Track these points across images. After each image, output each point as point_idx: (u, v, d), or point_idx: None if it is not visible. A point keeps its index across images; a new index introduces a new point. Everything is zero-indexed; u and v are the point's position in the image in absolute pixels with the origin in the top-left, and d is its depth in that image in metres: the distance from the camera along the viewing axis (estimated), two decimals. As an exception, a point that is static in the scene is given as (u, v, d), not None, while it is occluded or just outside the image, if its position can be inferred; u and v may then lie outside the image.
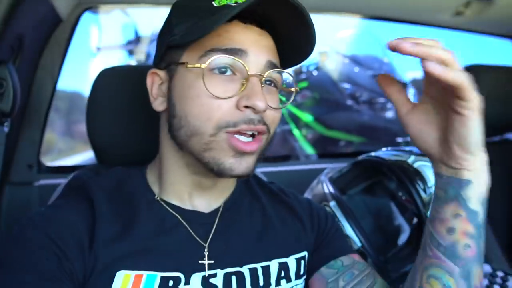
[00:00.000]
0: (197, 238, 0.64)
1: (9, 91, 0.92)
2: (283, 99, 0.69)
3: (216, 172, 0.59)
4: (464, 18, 1.60)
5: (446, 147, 0.54)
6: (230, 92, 0.57)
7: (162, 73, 0.65)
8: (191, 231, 0.64)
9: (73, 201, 0.63)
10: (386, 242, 1.07)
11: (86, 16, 1.29)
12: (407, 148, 1.10)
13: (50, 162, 1.39)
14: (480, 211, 0.54)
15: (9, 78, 0.91)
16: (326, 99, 3.77)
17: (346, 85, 3.79)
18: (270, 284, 0.66)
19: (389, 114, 3.81)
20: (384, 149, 1.18)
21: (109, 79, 0.87)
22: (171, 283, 0.59)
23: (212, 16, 0.56)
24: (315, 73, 3.90)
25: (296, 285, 0.70)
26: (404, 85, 3.93)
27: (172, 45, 0.61)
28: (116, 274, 0.57)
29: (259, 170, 1.59)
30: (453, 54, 0.49)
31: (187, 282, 0.60)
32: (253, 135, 0.59)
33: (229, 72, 0.58)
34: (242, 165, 0.59)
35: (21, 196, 1.24)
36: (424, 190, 0.98)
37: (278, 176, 1.57)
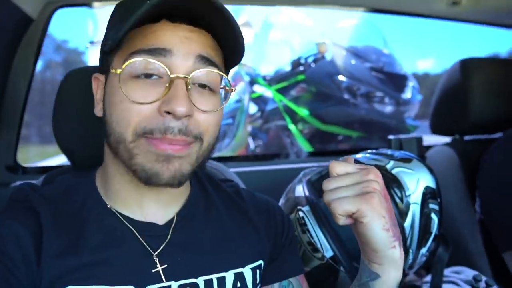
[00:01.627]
0: (150, 250, 0.62)
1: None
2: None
3: (144, 180, 0.57)
4: (460, 7, 1.56)
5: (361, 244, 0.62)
6: (151, 97, 0.55)
7: (102, 78, 0.63)
8: (144, 243, 0.62)
9: (18, 214, 0.61)
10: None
11: (81, 11, 1.26)
12: (389, 152, 1.05)
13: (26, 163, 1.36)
14: None
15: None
16: (322, 93, 3.71)
17: (343, 78, 3.72)
18: None
19: (387, 108, 3.74)
20: (359, 154, 1.14)
21: (76, 81, 0.84)
22: None
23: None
24: (313, 65, 3.83)
25: None
26: (402, 80, 3.87)
27: (104, 50, 0.60)
28: None
29: (247, 169, 1.57)
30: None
31: None
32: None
33: (154, 76, 0.56)
34: (170, 170, 0.56)
35: None
36: (401, 199, 0.94)
37: (266, 175, 1.54)
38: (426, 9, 1.64)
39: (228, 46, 0.62)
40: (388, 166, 0.99)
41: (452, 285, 1.08)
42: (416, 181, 0.96)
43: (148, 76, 0.56)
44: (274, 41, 4.41)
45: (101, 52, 0.63)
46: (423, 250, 0.99)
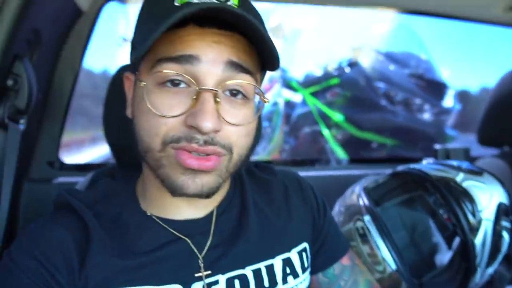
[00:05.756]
0: (193, 247, 0.60)
1: (24, 88, 0.87)
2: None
3: (170, 191, 0.55)
4: None
5: None
6: (177, 109, 0.52)
7: (132, 77, 0.60)
8: (188, 241, 0.60)
9: (62, 218, 0.60)
10: (421, 262, 0.97)
11: (113, 7, 1.23)
12: (454, 163, 0.98)
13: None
14: None
15: (24, 74, 0.87)
16: (358, 98, 3.60)
17: (380, 84, 3.60)
18: (276, 283, 0.63)
19: (426, 116, 3.61)
20: (425, 161, 1.07)
21: None
22: None
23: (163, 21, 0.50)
24: (347, 69, 3.74)
25: (304, 280, 0.67)
26: (442, 87, 3.74)
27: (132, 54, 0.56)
28: None
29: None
30: None
31: None
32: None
33: (182, 84, 0.52)
34: (197, 184, 0.53)
35: (39, 193, 1.21)
36: (473, 214, 0.86)
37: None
38: (481, 14, 1.55)
39: (264, 50, 0.55)
40: (458, 179, 0.91)
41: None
42: (489, 196, 0.88)
43: (175, 84, 0.52)
44: (305, 44, 4.35)
45: (130, 53, 0.59)
46: (490, 270, 0.92)
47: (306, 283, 0.68)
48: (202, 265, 0.59)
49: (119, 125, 0.81)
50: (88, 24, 1.17)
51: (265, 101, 0.58)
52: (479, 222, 0.86)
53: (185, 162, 0.51)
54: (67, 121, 1.28)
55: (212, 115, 0.50)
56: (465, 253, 0.88)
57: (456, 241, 0.95)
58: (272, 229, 0.67)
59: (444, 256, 0.98)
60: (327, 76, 3.80)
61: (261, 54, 0.56)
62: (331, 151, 3.46)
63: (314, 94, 3.74)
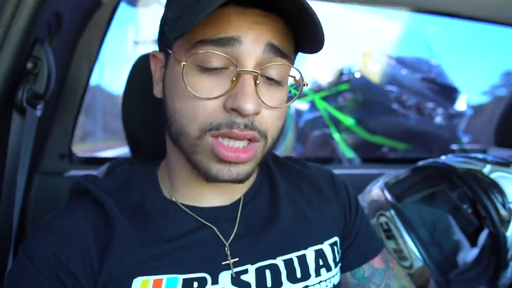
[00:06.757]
0: (220, 236, 0.58)
1: (44, 72, 0.86)
2: (295, 92, 0.59)
3: (203, 177, 0.54)
4: None
5: None
6: (216, 91, 0.51)
7: (161, 56, 0.59)
8: (214, 228, 0.59)
9: (80, 208, 0.58)
10: (445, 259, 0.94)
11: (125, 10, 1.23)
12: (480, 156, 0.95)
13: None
14: None
15: (44, 58, 0.85)
16: (369, 102, 3.58)
17: (392, 88, 3.58)
18: (309, 275, 0.60)
19: (438, 120, 3.57)
20: (446, 156, 1.05)
21: (146, 66, 0.80)
22: (195, 284, 0.53)
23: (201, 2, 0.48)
24: (357, 75, 3.73)
25: (337, 273, 0.65)
26: (454, 91, 3.71)
27: (166, 36, 0.54)
28: (133, 282, 0.52)
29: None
30: None
31: (215, 282, 0.54)
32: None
33: (220, 65, 0.51)
34: (232, 172, 0.53)
35: (50, 186, 1.19)
36: (503, 205, 0.83)
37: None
38: (497, 15, 1.53)
39: (304, 35, 0.54)
40: (485, 171, 0.89)
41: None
42: (520, 187, 0.85)
43: (212, 68, 0.51)
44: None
45: (160, 29, 0.58)
46: (522, 265, 0.88)
47: (338, 277, 0.65)
48: (228, 252, 0.57)
49: (138, 115, 0.80)
50: (106, 16, 1.17)
51: (305, 84, 0.57)
52: (510, 214, 0.83)
53: (222, 154, 0.51)
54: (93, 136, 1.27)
55: (253, 97, 0.49)
56: (496, 247, 0.85)
57: (483, 236, 0.91)
58: (304, 220, 0.65)
59: (467, 254, 0.95)
60: (337, 81, 3.79)
61: (301, 37, 0.55)
62: (342, 154, 3.43)
63: (324, 99, 3.73)
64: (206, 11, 0.45)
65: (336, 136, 3.55)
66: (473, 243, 0.95)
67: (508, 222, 0.83)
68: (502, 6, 1.44)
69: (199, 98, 0.51)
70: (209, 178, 0.54)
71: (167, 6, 0.56)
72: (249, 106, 0.49)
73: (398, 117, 3.52)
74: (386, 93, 3.56)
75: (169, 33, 0.52)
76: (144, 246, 0.55)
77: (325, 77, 4.02)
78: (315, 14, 0.49)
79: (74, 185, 0.62)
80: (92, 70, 1.21)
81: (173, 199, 0.61)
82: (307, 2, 0.48)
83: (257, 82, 0.51)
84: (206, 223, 0.59)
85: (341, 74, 3.79)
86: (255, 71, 0.50)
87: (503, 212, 0.83)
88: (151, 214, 0.58)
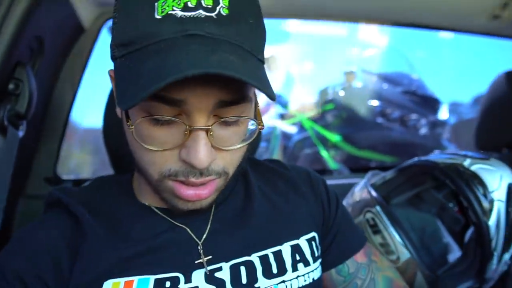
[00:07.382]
0: (192, 235, 0.59)
1: (25, 93, 0.87)
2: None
3: (170, 208, 0.57)
4: (501, 21, 1.49)
5: None
6: (170, 143, 0.49)
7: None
8: (187, 229, 0.59)
9: (51, 218, 0.60)
10: (434, 261, 0.94)
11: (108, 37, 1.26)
12: (461, 152, 0.98)
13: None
14: None
15: (26, 80, 0.87)
16: (354, 118, 3.65)
17: (375, 103, 3.66)
18: (286, 270, 0.60)
19: (423, 130, 3.64)
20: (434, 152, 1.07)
21: None
22: (168, 284, 0.54)
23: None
24: (341, 93, 3.81)
25: (316, 269, 0.64)
26: (436, 102, 3.81)
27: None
28: (104, 285, 0.53)
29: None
30: None
31: (188, 281, 0.55)
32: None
33: (170, 117, 0.48)
34: (195, 205, 0.54)
35: (35, 210, 1.18)
36: (485, 195, 0.85)
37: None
38: (465, 24, 1.59)
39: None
40: (465, 163, 0.91)
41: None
42: (499, 178, 0.88)
43: (165, 122, 0.48)
44: (299, 72, 4.45)
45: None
46: (507, 256, 0.89)
47: (318, 272, 0.65)
48: (201, 251, 0.57)
49: (118, 133, 0.81)
50: (89, 42, 1.20)
51: (260, 128, 0.53)
52: (491, 203, 0.85)
53: (182, 195, 0.52)
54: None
55: (205, 153, 0.47)
56: (480, 238, 0.86)
57: (469, 232, 0.93)
58: (279, 216, 0.65)
59: (455, 256, 0.96)
60: (322, 102, 3.87)
61: None
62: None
63: (311, 118, 3.79)
64: (147, 92, 0.41)
65: (324, 153, 3.58)
66: (462, 245, 0.96)
67: (490, 211, 0.84)
68: (468, 15, 1.50)
69: (154, 150, 0.49)
70: (176, 211, 0.56)
71: (111, 30, 0.52)
72: (201, 162, 0.47)
73: (383, 130, 3.59)
74: (370, 108, 3.63)
75: (118, 102, 0.49)
76: (115, 249, 0.55)
77: (310, 98, 4.11)
78: (259, 78, 0.46)
79: (47, 197, 0.63)
80: (75, 95, 1.23)
81: (146, 204, 0.62)
82: (246, 71, 0.44)
83: (210, 133, 0.48)
84: (179, 224, 0.59)
85: (326, 93, 3.88)
86: (205, 127, 0.47)
87: (484, 202, 0.85)
88: (123, 218, 0.59)
